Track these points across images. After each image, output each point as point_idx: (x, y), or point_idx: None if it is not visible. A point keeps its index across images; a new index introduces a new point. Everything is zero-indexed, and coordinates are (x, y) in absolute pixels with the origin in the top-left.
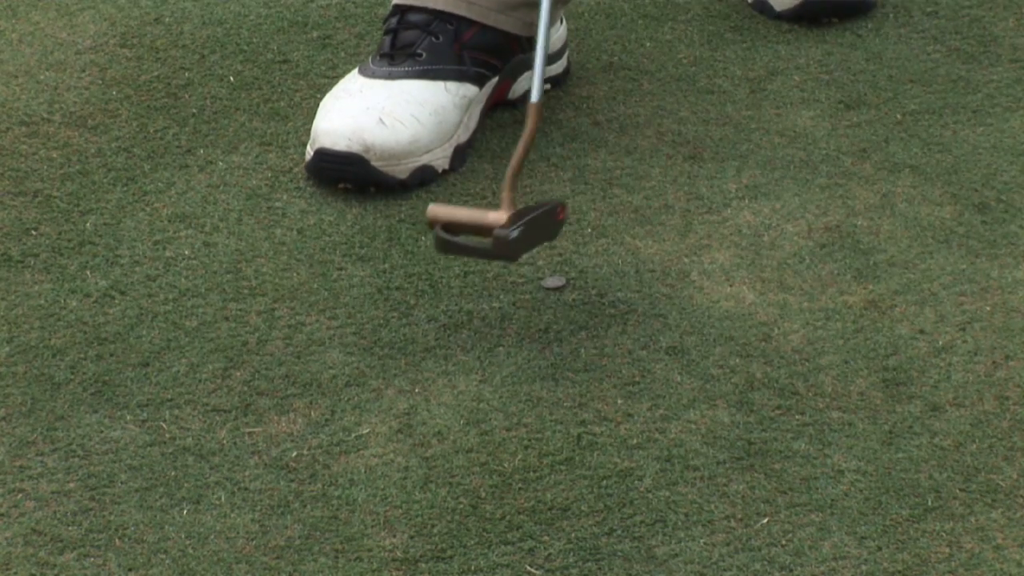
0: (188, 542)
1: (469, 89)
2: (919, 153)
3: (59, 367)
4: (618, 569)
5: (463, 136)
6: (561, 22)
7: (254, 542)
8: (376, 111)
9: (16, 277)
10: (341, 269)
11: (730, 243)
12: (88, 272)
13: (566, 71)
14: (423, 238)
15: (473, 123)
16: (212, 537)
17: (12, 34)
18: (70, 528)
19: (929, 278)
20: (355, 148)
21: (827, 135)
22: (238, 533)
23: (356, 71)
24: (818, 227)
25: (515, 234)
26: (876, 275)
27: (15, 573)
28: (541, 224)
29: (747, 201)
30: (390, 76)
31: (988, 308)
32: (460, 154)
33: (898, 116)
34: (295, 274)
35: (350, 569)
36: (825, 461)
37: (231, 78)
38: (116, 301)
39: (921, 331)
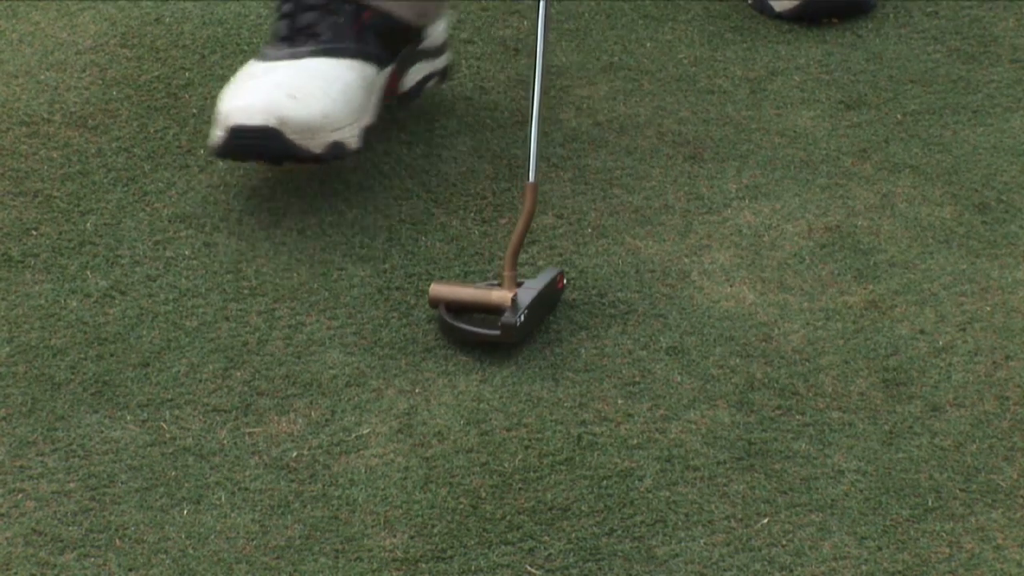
0: (188, 542)
1: (370, 69)
2: (919, 153)
3: (59, 367)
4: (618, 569)
5: (368, 119)
6: (445, 18)
7: (254, 542)
8: (286, 87)
9: (16, 277)
10: (341, 269)
11: (730, 243)
12: (88, 272)
13: (450, 66)
14: (423, 238)
15: (375, 107)
16: (212, 537)
17: (12, 34)
18: (70, 528)
19: (929, 278)
20: (271, 122)
21: (827, 135)
22: (238, 533)
23: (253, 60)
24: (818, 227)
25: (522, 319)
26: (876, 275)
27: (15, 573)
28: (544, 299)
29: (747, 201)
30: (292, 56)
31: (988, 308)
32: (368, 134)
33: (898, 116)
34: (295, 274)
35: (350, 569)
36: (825, 461)
37: (231, 78)
38: (116, 301)
39: (921, 331)
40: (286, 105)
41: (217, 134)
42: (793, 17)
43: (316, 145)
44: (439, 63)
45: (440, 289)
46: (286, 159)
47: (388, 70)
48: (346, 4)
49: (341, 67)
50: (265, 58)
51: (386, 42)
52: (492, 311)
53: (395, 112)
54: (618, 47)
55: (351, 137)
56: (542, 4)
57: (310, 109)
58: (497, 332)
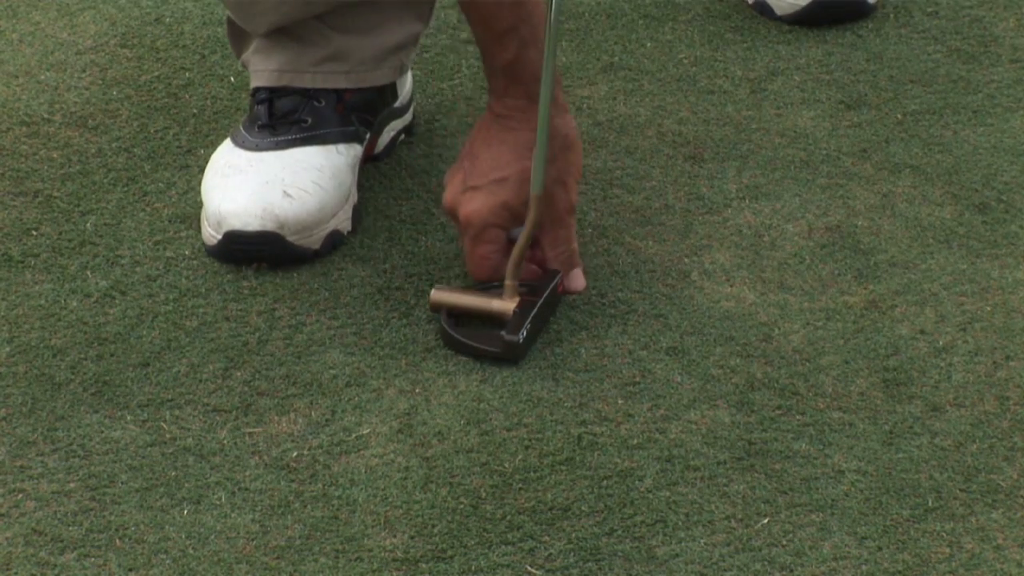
0: (188, 542)
1: (355, 148)
2: (920, 153)
3: (59, 367)
4: (618, 569)
5: (355, 195)
6: (409, 74)
7: (254, 542)
8: (278, 183)
9: (17, 277)
10: (341, 269)
11: (730, 243)
12: (89, 272)
13: (414, 122)
14: (423, 239)
15: (356, 181)
16: (212, 537)
17: (13, 34)
18: (71, 528)
19: (930, 278)
20: (269, 226)
21: (828, 135)
22: (238, 533)
23: (230, 143)
24: (819, 227)
25: (523, 336)
26: (877, 275)
27: (16, 573)
28: (546, 308)
29: (747, 201)
30: (277, 146)
31: (989, 308)
32: (357, 214)
33: (899, 116)
34: (295, 275)
35: (350, 569)
36: (825, 461)
37: (232, 78)
38: (116, 301)
39: (922, 331)
40: (282, 206)
41: (211, 234)
42: (793, 21)
43: (314, 241)
44: (407, 118)
45: (441, 295)
46: (285, 261)
47: (367, 138)
48: (327, 90)
49: (328, 153)
50: (246, 145)
51: (367, 115)
52: (493, 320)
53: None
54: (618, 47)
55: (344, 221)
56: (552, 12)
57: (307, 206)
58: (498, 350)
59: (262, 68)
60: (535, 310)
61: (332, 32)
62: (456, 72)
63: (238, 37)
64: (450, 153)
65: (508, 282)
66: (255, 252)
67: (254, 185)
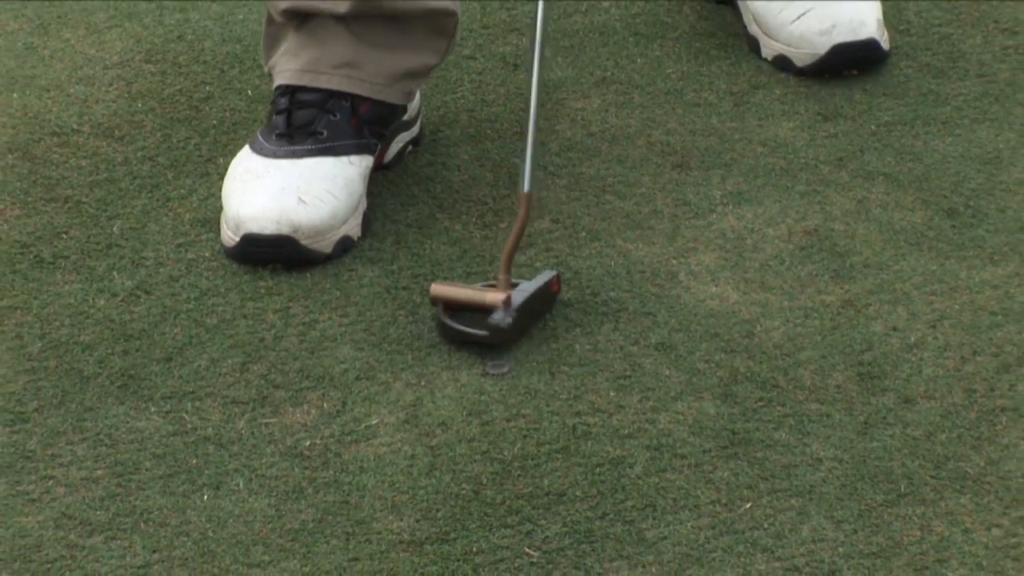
0: (208, 525)
1: (367, 159)
2: (892, 162)
3: (88, 362)
4: (610, 551)
5: (365, 203)
6: (419, 97)
7: (270, 525)
8: (293, 191)
9: (48, 277)
10: (352, 270)
11: (715, 246)
12: (115, 273)
13: (421, 133)
14: (428, 242)
15: (366, 190)
16: (231, 521)
17: (44, 50)
18: (98, 512)
19: (901, 279)
20: (284, 230)
21: (806, 145)
22: (255, 517)
23: (248, 150)
24: (798, 231)
25: (509, 321)
26: (852, 276)
27: (46, 555)
28: (537, 301)
29: (731, 207)
30: (294, 155)
31: (957, 307)
32: (367, 220)
33: (872, 127)
34: (309, 275)
35: (360, 551)
36: (804, 450)
37: (249, 92)
38: (141, 300)
39: (894, 328)
40: (297, 211)
41: (229, 236)
42: (814, 71)
43: (326, 245)
44: (414, 131)
45: (440, 289)
46: (298, 264)
47: (378, 148)
48: (343, 100)
49: (342, 164)
50: (264, 152)
51: (380, 127)
52: (487, 312)
53: None
54: (610, 63)
55: (355, 227)
56: (539, 22)
57: (320, 212)
58: (485, 333)
59: (286, 68)
60: (524, 299)
61: (353, 40)
62: (459, 86)
63: (271, 39)
64: (453, 162)
65: (501, 276)
66: (270, 254)
67: (271, 191)
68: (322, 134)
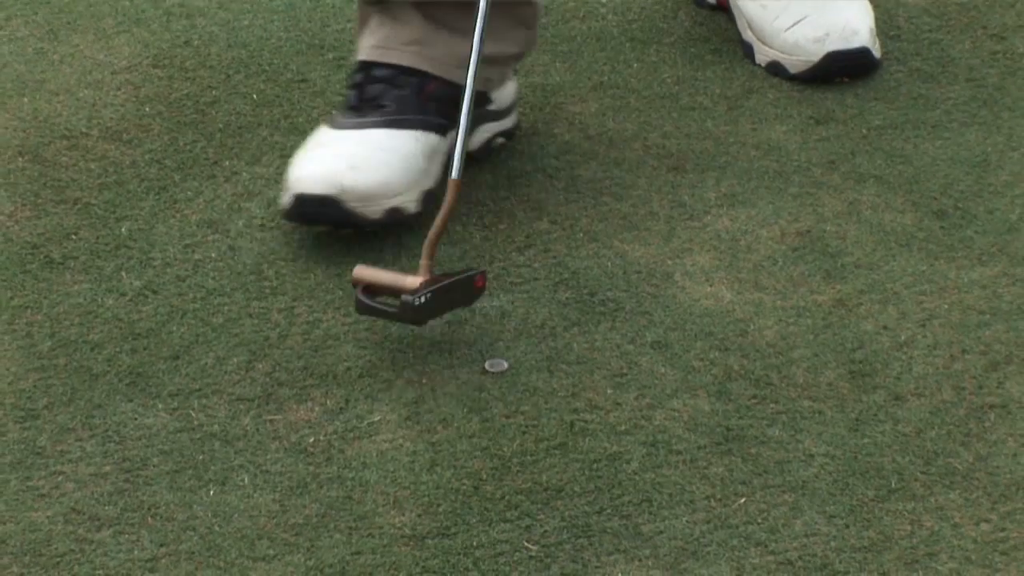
0: (215, 520)
1: (432, 138)
2: (883, 164)
3: (97, 360)
4: (608, 545)
5: (428, 183)
6: (514, 80)
7: (275, 520)
8: (346, 157)
9: (58, 278)
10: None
11: (710, 247)
12: (123, 273)
13: (516, 125)
14: None
15: (437, 171)
16: (236, 515)
17: (54, 55)
18: (106, 507)
19: (892, 279)
20: (331, 191)
21: (799, 148)
22: (260, 512)
23: (324, 125)
24: (790, 232)
25: (420, 301)
26: (843, 276)
27: (56, 548)
28: (455, 291)
29: (725, 208)
30: (359, 126)
31: (946, 306)
32: (429, 197)
33: (864, 131)
34: (313, 275)
35: (363, 545)
36: (797, 446)
37: (254, 96)
38: (149, 300)
39: (885, 327)
40: (346, 175)
41: (285, 198)
42: (808, 78)
43: (374, 211)
44: (506, 123)
45: (363, 272)
46: (346, 225)
47: (452, 134)
48: (411, 77)
49: (403, 137)
50: (335, 125)
51: (450, 110)
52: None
53: None
54: (607, 67)
55: (410, 202)
56: (481, 12)
57: (368, 178)
58: (395, 310)
59: (364, 45)
60: (440, 285)
61: (425, 21)
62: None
63: (361, 25)
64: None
65: (422, 261)
66: (317, 214)
67: (326, 158)
68: (388, 107)
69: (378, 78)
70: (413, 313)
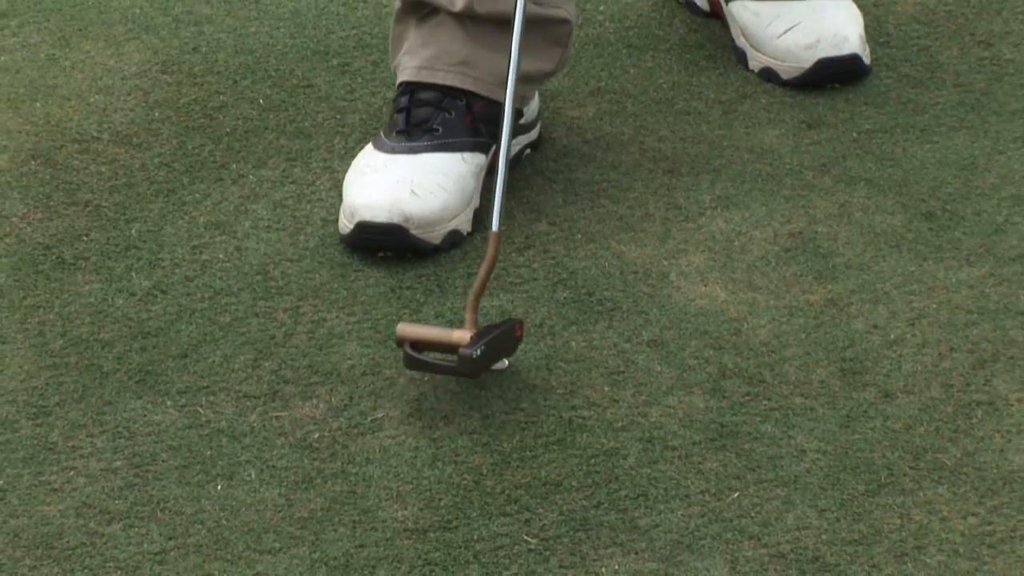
0: (222, 514)
1: (479, 157)
2: (873, 167)
3: (107, 358)
4: (605, 538)
5: (477, 201)
6: (536, 97)
7: (281, 514)
8: (407, 183)
9: (69, 278)
10: (359, 271)
11: (704, 248)
12: (133, 273)
13: (540, 137)
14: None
15: (480, 188)
16: (243, 509)
17: (65, 62)
18: (117, 502)
19: (882, 279)
20: (395, 219)
21: (791, 152)
22: (266, 506)
23: (371, 147)
24: (783, 233)
25: (478, 352)
26: (835, 276)
27: (68, 542)
28: (502, 342)
29: (720, 210)
30: (411, 151)
31: (934, 306)
32: (478, 217)
33: (854, 135)
34: (317, 275)
35: (366, 538)
36: (789, 442)
37: (261, 101)
38: (158, 299)
39: (875, 326)
40: (409, 202)
41: (345, 224)
42: (799, 84)
43: (436, 236)
44: (533, 135)
45: (407, 329)
46: (408, 251)
47: (493, 149)
48: (458, 100)
49: (455, 160)
50: (384, 149)
51: (494, 127)
52: (453, 349)
53: None
54: (604, 73)
55: (465, 223)
56: (512, 64)
57: (431, 204)
58: (455, 364)
59: (407, 66)
60: (492, 335)
61: (468, 40)
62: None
63: (397, 40)
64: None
65: (468, 315)
66: (381, 241)
67: (387, 182)
68: (438, 131)
69: (425, 101)
70: (472, 366)
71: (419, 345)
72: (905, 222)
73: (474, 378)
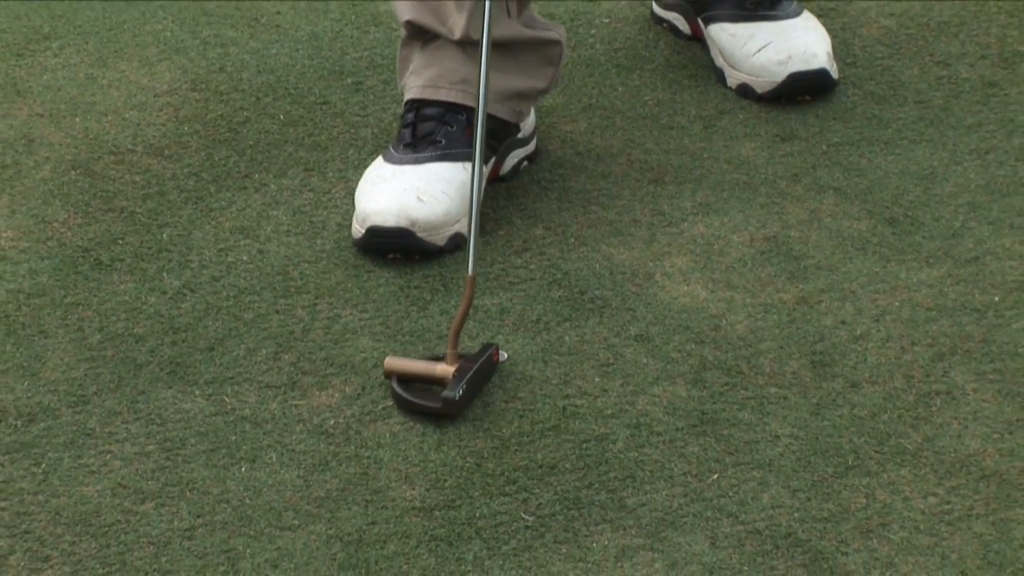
0: (246, 494)
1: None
2: (841, 177)
3: (141, 351)
4: (596, 516)
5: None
6: (533, 110)
7: (299, 494)
8: (413, 191)
9: (105, 278)
10: (370, 271)
11: (687, 250)
12: (164, 274)
13: (536, 150)
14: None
15: (482, 195)
16: (265, 490)
17: (103, 80)
18: (149, 483)
19: (849, 279)
20: (403, 223)
21: (766, 162)
22: (286, 486)
23: (381, 159)
24: (758, 237)
25: (459, 394)
26: (806, 276)
27: (104, 519)
28: (482, 372)
29: (700, 216)
30: (417, 161)
31: (897, 303)
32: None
33: (824, 147)
34: (333, 276)
35: (377, 516)
36: (764, 428)
37: (281, 116)
38: (187, 298)
39: (842, 322)
40: (415, 207)
41: (357, 229)
42: (773, 97)
43: (440, 239)
44: (530, 148)
45: (393, 363)
46: (415, 253)
47: (492, 160)
48: (459, 115)
49: (457, 168)
50: (392, 160)
51: (493, 138)
52: (436, 383)
53: None
54: (595, 91)
55: (466, 227)
56: (480, 118)
57: (435, 209)
58: (439, 405)
59: (413, 85)
60: (472, 368)
61: (468, 61)
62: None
63: (403, 63)
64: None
65: (449, 350)
66: (390, 244)
67: (394, 191)
68: (441, 142)
69: (429, 116)
70: (457, 407)
71: (405, 378)
72: (870, 227)
73: (458, 413)
